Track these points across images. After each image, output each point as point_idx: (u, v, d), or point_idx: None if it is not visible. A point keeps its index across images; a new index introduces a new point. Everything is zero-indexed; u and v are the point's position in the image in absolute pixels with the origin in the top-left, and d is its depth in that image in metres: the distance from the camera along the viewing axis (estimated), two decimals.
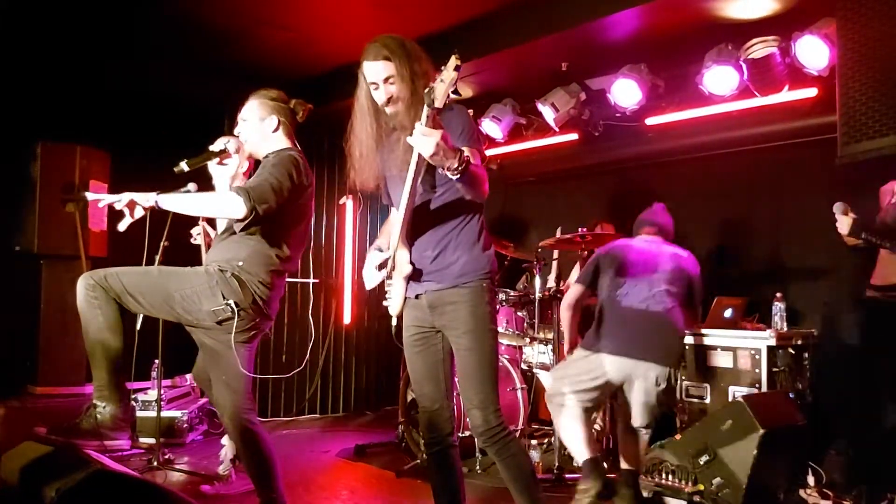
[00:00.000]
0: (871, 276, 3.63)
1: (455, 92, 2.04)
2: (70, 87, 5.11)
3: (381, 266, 2.50)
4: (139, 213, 2.54)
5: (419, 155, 2.10)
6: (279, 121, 2.77)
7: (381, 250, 2.52)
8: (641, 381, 3.29)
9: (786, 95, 4.27)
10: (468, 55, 5.12)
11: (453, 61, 1.95)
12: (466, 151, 2.13)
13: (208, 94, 5.43)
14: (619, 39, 4.45)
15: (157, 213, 2.88)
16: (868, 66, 2.62)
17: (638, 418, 3.37)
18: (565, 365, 3.52)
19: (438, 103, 1.99)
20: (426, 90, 2.03)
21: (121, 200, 2.51)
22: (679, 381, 4.23)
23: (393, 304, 2.49)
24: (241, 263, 2.60)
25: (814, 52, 3.91)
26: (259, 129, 2.76)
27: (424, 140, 2.01)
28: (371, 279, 2.56)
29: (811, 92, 4.20)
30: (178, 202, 2.55)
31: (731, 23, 4.16)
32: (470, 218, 2.39)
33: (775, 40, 4.09)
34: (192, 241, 3.07)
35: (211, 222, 3.01)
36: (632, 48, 4.57)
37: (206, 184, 2.80)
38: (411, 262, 2.36)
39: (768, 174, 4.79)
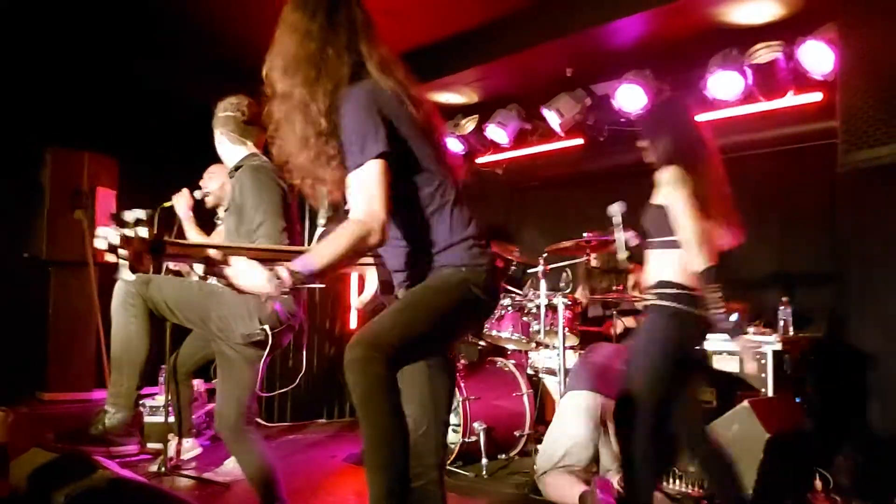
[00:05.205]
0: None
1: None
2: (78, 94, 5.14)
3: None
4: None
5: None
6: (221, 132, 2.90)
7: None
8: None
9: (790, 100, 4.27)
10: (474, 61, 5.17)
11: None
12: (293, 266, 1.69)
13: (218, 100, 5.45)
14: (624, 45, 4.46)
15: (164, 220, 2.92)
16: (869, 75, 2.62)
17: None
18: None
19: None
20: None
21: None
22: None
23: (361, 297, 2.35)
24: None
25: (818, 56, 3.91)
26: (220, 149, 2.94)
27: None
28: None
29: (816, 96, 4.19)
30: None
31: (736, 28, 4.17)
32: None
33: (780, 45, 4.10)
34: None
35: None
36: (637, 53, 4.58)
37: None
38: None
39: (773, 178, 4.77)
